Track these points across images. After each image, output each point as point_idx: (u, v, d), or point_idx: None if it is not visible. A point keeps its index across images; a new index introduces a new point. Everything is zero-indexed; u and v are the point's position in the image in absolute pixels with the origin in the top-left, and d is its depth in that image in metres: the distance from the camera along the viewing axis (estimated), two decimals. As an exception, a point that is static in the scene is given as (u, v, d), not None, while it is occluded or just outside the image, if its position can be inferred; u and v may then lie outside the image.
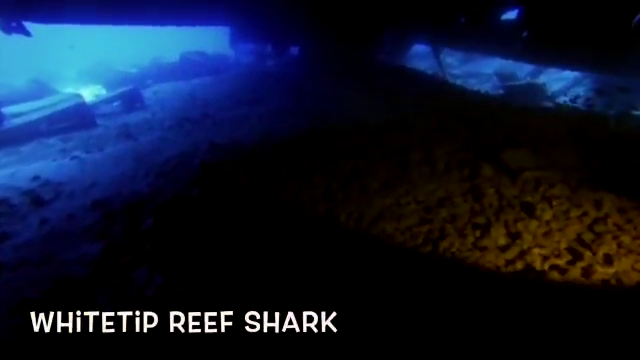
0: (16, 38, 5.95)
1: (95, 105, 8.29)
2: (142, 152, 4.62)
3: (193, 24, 8.45)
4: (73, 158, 4.94)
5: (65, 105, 7.05)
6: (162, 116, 6.91)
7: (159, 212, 3.15)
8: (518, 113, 4.74)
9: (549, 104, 7.71)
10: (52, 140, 6.18)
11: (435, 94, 6.69)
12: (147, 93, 9.62)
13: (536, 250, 2.06)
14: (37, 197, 3.79)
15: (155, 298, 2.18)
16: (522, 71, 9.53)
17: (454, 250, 2.16)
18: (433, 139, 3.89)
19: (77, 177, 4.20)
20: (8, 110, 7.04)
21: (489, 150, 3.48)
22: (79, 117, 7.10)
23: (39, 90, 9.81)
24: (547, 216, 2.34)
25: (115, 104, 8.85)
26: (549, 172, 2.78)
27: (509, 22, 8.19)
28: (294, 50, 11.32)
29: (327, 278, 2.08)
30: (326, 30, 9.97)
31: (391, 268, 2.10)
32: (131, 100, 8.39)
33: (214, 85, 8.88)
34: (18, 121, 6.42)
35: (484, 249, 2.15)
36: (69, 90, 11.76)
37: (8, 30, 5.19)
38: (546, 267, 1.97)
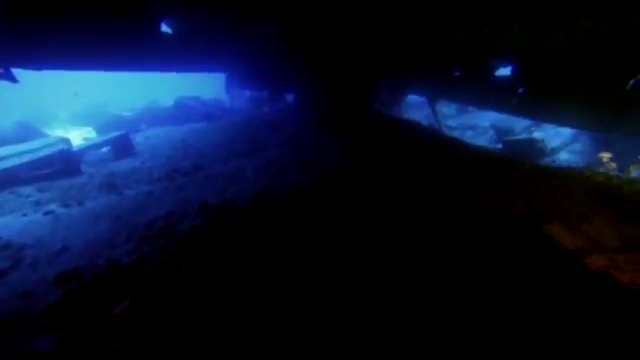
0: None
1: (82, 150, 7.88)
2: (125, 209, 4.17)
3: (191, 71, 8.45)
4: (47, 213, 4.44)
5: (49, 151, 6.65)
6: (151, 165, 6.52)
7: (137, 291, 2.65)
8: (535, 174, 4.49)
9: (551, 161, 7.59)
10: (28, 189, 5.68)
11: (436, 148, 6.50)
12: (139, 138, 9.31)
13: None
14: (-7, 265, 3.25)
15: None
16: (519, 125, 9.56)
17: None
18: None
19: (46, 239, 3.69)
20: (-14, 155, 6.60)
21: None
22: (62, 164, 6.67)
23: (25, 133, 9.43)
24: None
25: (104, 149, 8.49)
26: (595, 256, 2.41)
27: (505, 78, 8.36)
28: (289, 96, 11.35)
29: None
30: (322, 79, 10.06)
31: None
32: (121, 146, 8.03)
33: (208, 132, 8.62)
34: (-7, 168, 5.95)
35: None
36: (58, 133, 11.43)
37: None
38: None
